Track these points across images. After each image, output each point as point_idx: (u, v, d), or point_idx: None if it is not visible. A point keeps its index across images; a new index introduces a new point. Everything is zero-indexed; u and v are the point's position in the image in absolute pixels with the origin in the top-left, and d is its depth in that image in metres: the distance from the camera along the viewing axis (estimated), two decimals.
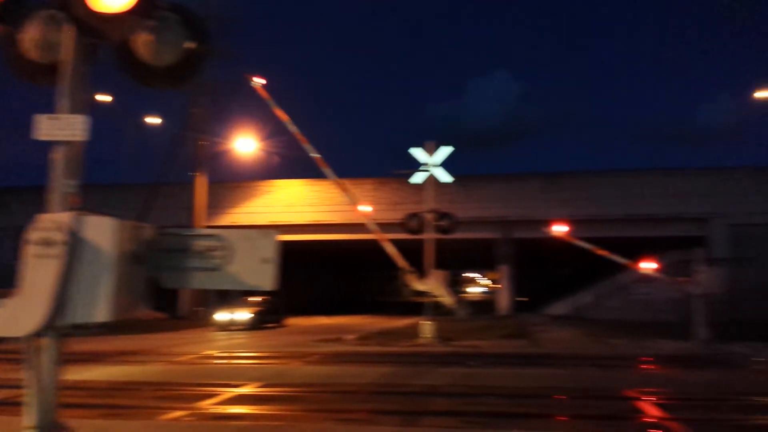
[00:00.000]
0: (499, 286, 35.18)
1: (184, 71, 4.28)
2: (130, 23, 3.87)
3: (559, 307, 32.15)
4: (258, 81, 20.06)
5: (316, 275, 50.82)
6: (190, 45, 4.12)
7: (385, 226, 31.69)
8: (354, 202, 22.84)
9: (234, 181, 35.03)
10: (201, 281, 4.05)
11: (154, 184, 28.59)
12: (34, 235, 3.50)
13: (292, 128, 20.27)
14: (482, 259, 42.20)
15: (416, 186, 22.43)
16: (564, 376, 12.48)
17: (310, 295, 47.39)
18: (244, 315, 26.38)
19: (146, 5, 3.83)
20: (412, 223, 20.45)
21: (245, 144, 32.45)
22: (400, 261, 19.81)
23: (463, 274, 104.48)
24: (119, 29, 3.88)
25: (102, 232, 3.57)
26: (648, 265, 19.84)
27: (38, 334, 3.52)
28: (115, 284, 3.54)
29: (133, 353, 16.42)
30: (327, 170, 20.53)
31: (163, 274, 3.98)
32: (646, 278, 27.76)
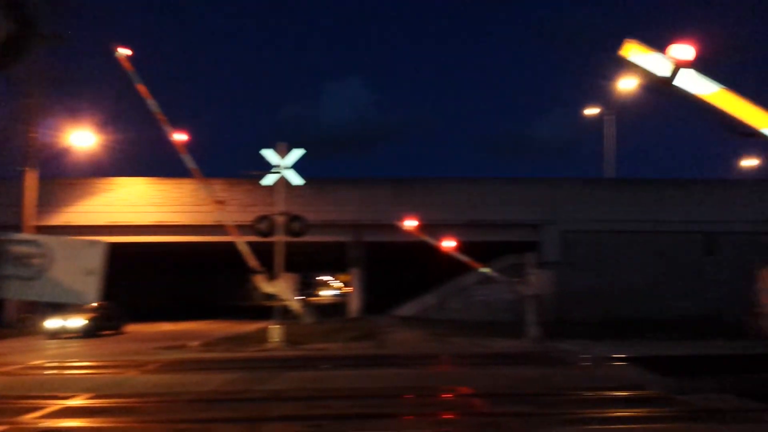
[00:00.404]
0: (350, 288, 35.59)
1: (4, 56, 3.93)
2: None
3: (407, 309, 33.07)
4: (123, 52, 18.67)
5: (161, 279, 48.63)
6: (10, 27, 3.81)
7: (236, 228, 31.00)
8: (211, 197, 21.91)
9: (69, 178, 32.60)
10: (15, 290, 3.69)
11: None
12: None
13: (154, 107, 19.08)
14: (335, 262, 42.51)
15: (269, 188, 22.09)
16: (407, 375, 12.85)
17: (155, 299, 45.26)
18: (77, 321, 24.53)
19: None
20: (262, 225, 20.11)
21: (84, 137, 30.34)
22: (252, 261, 19.42)
23: (317, 277, 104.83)
24: None
25: None
26: (485, 268, 20.96)
27: None
28: None
29: None
30: (187, 157, 19.52)
31: None
32: (485, 280, 29.33)
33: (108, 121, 30.73)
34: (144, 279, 46.12)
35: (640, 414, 9.06)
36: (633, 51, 7.79)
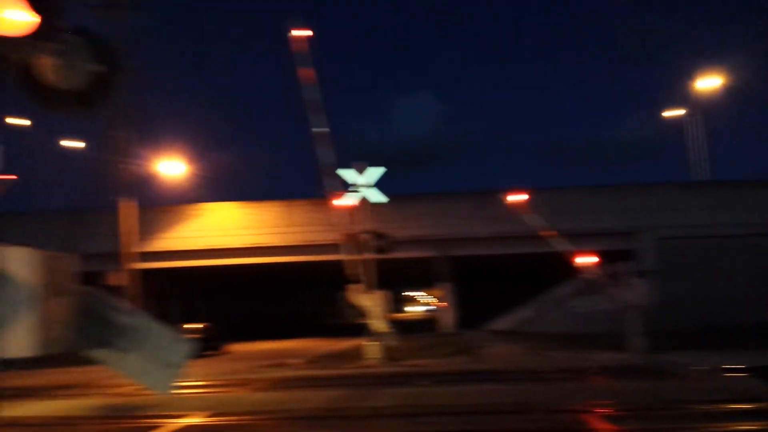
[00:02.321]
0: (442, 303, 35.34)
1: (93, 94, 4.09)
2: (30, 46, 3.69)
3: (501, 323, 32.51)
4: (300, 33, 17.63)
5: (253, 299, 49.93)
6: (97, 68, 3.96)
7: (320, 248, 31.43)
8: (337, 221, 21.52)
9: (163, 205, 33.97)
10: (103, 356, 3.82)
11: (76, 211, 27.31)
12: None
13: (310, 94, 17.94)
14: (420, 277, 42.37)
15: (350, 207, 22.20)
16: (509, 391, 12.54)
17: (248, 319, 46.45)
18: None
19: (47, 29, 3.64)
20: (349, 244, 20.34)
21: (173, 166, 31.60)
22: (350, 269, 19.33)
23: (404, 293, 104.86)
24: (19, 52, 3.70)
25: (23, 263, 3.34)
26: (589, 260, 20.03)
27: None
28: (39, 317, 3.31)
29: (69, 387, 15.63)
30: (323, 152, 17.96)
31: (76, 336, 3.72)
32: (582, 291, 28.39)
33: (197, 147, 32.02)
34: (237, 300, 47.48)
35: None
36: None
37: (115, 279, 26.63)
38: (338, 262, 22.79)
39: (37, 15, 3.51)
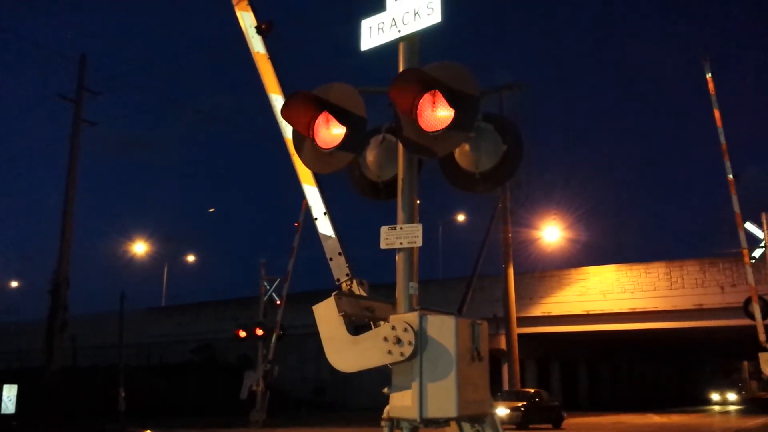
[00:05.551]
0: None
1: (501, 174, 4.51)
2: (454, 139, 4.24)
3: None
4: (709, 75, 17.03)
5: (636, 365, 47.38)
6: (504, 149, 4.38)
7: (713, 311, 28.53)
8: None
9: (542, 271, 34.74)
10: None
11: (468, 278, 29.66)
12: (387, 332, 3.82)
13: (721, 138, 16.81)
14: None
15: (754, 265, 19.58)
16: None
17: (629, 386, 44.07)
18: (500, 411, 19.94)
19: (466, 120, 4.16)
20: (752, 307, 17.88)
21: (551, 232, 32.38)
22: (762, 334, 16.80)
23: None
24: (445, 145, 4.27)
25: (444, 330, 3.73)
26: None
27: (396, 425, 3.83)
28: (460, 380, 3.64)
29: None
30: (734, 197, 16.37)
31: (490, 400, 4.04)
32: None
33: (574, 214, 32.39)
34: (620, 366, 45.50)
35: None
36: None
37: (495, 343, 27.82)
38: (735, 328, 20.36)
39: (452, 109, 4.01)
